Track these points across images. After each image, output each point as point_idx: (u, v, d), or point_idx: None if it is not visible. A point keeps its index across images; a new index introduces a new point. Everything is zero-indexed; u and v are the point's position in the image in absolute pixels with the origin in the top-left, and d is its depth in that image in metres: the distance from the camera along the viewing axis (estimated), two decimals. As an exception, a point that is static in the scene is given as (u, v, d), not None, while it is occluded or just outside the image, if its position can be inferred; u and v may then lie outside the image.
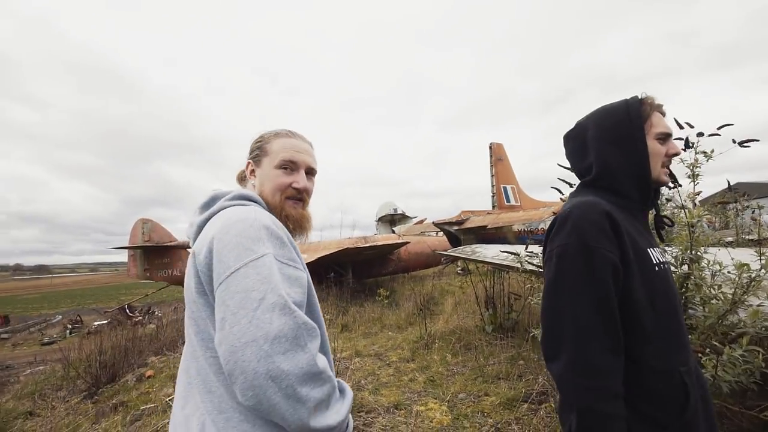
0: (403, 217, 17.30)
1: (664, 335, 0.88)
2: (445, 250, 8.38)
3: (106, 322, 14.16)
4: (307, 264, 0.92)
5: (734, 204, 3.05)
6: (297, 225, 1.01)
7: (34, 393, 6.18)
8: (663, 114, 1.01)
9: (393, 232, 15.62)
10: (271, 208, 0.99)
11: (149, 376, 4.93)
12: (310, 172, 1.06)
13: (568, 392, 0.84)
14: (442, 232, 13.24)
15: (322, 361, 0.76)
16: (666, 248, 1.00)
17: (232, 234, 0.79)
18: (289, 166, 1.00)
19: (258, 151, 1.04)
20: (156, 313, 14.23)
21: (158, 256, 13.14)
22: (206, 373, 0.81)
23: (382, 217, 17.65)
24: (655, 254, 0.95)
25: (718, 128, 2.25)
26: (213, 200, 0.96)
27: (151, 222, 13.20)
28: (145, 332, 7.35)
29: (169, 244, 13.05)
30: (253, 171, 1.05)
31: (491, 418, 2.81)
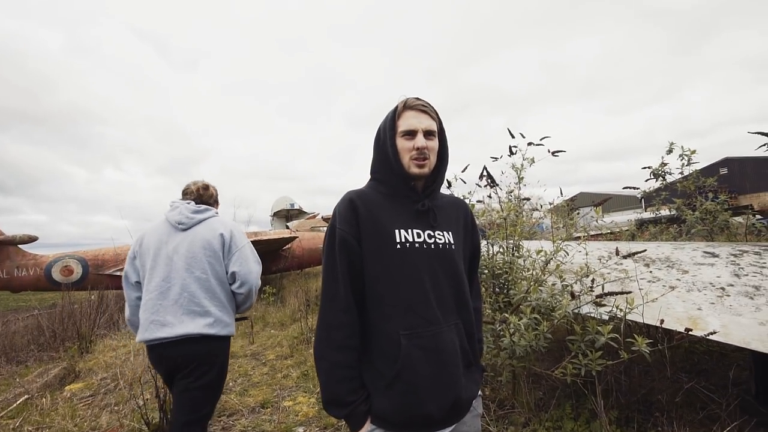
0: (300, 213, 16.72)
1: (394, 303, 0.99)
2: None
3: None
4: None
5: (573, 209, 3.85)
6: None
7: None
8: (420, 110, 1.06)
9: (287, 228, 15.00)
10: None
11: None
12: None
13: (314, 342, 1.04)
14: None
15: None
16: (442, 231, 1.10)
17: (237, 229, 1.96)
18: None
19: None
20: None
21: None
22: (213, 287, 1.85)
23: (277, 212, 16.73)
24: (408, 234, 1.02)
25: (541, 139, 2.76)
26: (206, 210, 1.97)
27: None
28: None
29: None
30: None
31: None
